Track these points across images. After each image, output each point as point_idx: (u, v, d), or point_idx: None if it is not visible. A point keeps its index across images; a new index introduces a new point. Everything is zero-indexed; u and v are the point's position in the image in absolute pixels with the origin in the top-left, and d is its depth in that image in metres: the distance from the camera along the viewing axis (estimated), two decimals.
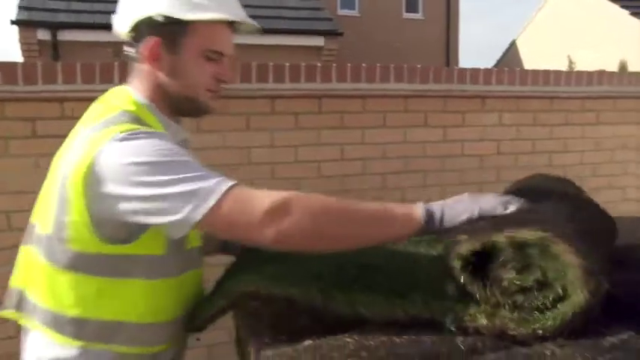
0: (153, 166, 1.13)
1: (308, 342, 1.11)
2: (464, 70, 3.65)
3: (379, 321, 1.16)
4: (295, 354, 1.07)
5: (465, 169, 3.69)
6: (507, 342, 1.06)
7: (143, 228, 1.21)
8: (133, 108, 1.27)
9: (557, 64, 8.88)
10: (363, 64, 3.40)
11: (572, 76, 3.98)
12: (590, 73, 4.03)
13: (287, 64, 3.25)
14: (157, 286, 1.29)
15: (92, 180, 1.15)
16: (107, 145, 1.15)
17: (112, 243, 1.21)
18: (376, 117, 3.46)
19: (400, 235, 1.18)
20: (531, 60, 13.56)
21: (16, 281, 1.38)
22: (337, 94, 3.36)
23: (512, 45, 16.75)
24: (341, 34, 11.49)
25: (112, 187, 1.14)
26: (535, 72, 3.84)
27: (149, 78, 1.31)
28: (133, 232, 1.22)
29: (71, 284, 1.25)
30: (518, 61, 15.19)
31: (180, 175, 1.13)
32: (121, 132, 1.16)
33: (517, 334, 1.07)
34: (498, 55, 15.86)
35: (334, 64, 3.39)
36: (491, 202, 1.18)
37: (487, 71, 3.70)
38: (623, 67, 9.90)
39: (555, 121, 3.95)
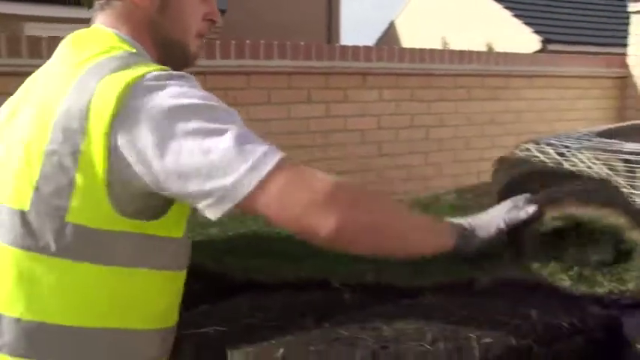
0: (206, 111, 0.87)
1: (203, 307, 1.13)
2: (346, 47, 3.75)
3: (273, 284, 1.21)
4: (191, 320, 1.08)
5: (348, 143, 3.81)
6: (394, 295, 1.15)
7: (169, 201, 0.93)
8: (133, 49, 0.97)
9: (433, 44, 9.30)
10: (247, 41, 3.41)
11: (445, 54, 4.22)
12: (461, 52, 4.28)
13: None
14: (171, 280, 1.00)
15: (122, 131, 0.84)
16: (137, 88, 0.85)
17: (133, 218, 0.90)
18: (260, 93, 3.49)
19: (438, 245, 1.05)
20: (409, 40, 14.08)
21: None
22: (221, 71, 3.34)
23: (391, 25, 17.27)
24: (224, 11, 11.28)
25: (152, 138, 0.84)
26: (412, 50, 4.02)
27: (132, 16, 1.01)
28: (158, 205, 0.93)
29: (65, 278, 0.90)
30: (397, 41, 15.70)
31: (234, 128, 0.86)
32: (149, 72, 0.88)
33: (405, 287, 1.16)
34: (378, 34, 16.31)
35: (217, 41, 3.37)
36: (511, 210, 1.14)
37: (367, 49, 3.83)
38: (490, 48, 10.53)
39: (431, 97, 4.17)
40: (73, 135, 0.86)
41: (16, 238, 0.89)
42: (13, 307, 0.90)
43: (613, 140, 2.51)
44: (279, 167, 0.86)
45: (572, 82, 5.09)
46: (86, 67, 0.90)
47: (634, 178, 2.28)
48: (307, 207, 0.88)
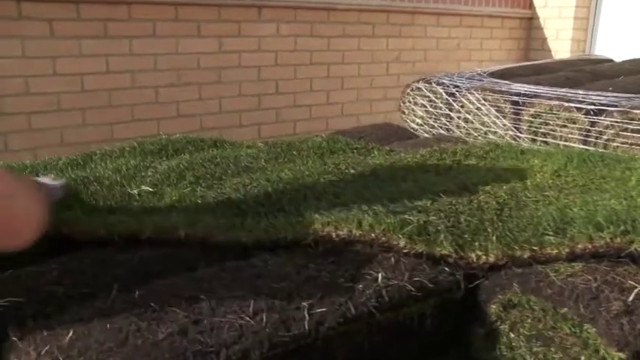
0: None
1: (9, 272, 0.97)
2: None
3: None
4: None
5: (243, 80, 3.61)
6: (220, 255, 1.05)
7: None
8: None
9: None
10: None
11: None
12: None
13: None
14: None
15: None
16: None
17: None
18: (144, 26, 3.21)
19: None
20: None
21: None
22: (98, 0, 3.04)
23: None
24: None
25: None
26: None
27: None
28: None
29: None
30: None
31: None
32: None
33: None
34: None
35: None
36: None
37: None
38: None
39: (332, 32, 3.99)
40: None
41: None
42: None
43: (502, 81, 2.45)
44: None
45: (480, 22, 5.03)
46: None
47: (519, 120, 2.22)
48: None
